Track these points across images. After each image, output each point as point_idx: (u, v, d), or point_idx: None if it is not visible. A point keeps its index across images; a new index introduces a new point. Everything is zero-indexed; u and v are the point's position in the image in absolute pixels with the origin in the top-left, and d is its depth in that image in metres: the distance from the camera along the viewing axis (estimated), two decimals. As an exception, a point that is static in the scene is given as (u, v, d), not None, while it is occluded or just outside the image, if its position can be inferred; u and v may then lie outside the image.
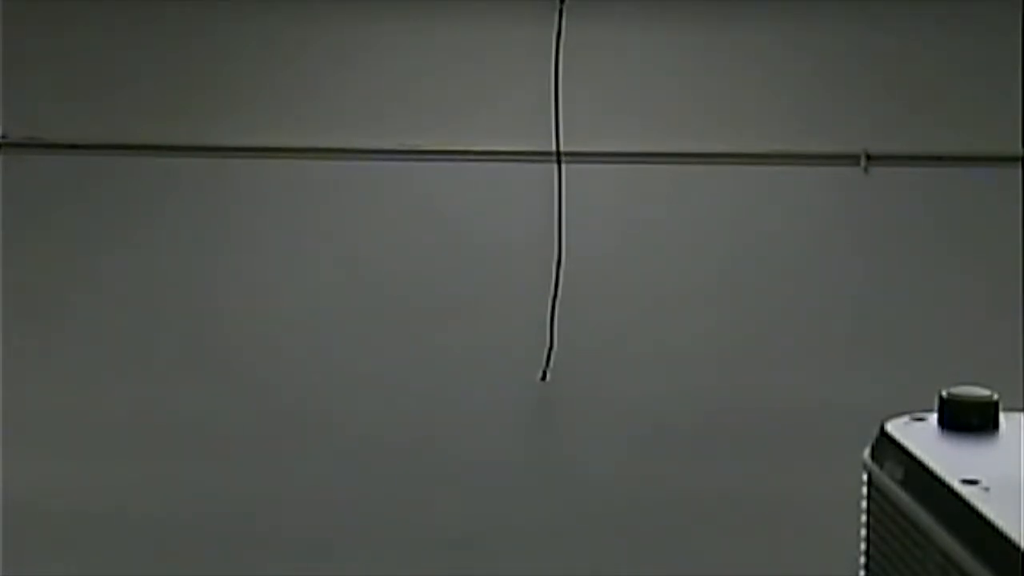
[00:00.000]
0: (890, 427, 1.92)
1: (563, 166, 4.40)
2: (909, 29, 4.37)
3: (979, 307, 4.39)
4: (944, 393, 1.91)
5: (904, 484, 1.77)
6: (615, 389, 4.47)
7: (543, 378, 4.45)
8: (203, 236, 4.51)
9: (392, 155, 4.45)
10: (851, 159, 4.39)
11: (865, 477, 1.91)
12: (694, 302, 4.47)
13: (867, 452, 1.92)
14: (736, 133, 4.42)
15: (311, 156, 4.46)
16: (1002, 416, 1.89)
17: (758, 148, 4.40)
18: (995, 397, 1.90)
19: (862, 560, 1.92)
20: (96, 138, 4.46)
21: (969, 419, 1.88)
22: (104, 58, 4.47)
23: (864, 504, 1.91)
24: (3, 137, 4.46)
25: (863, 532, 1.92)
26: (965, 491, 1.62)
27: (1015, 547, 1.46)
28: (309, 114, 4.46)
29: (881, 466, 1.86)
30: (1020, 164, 4.33)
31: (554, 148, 4.38)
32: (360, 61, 4.46)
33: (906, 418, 1.95)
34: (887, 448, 1.87)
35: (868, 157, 4.38)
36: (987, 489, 1.62)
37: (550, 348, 4.43)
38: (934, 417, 1.91)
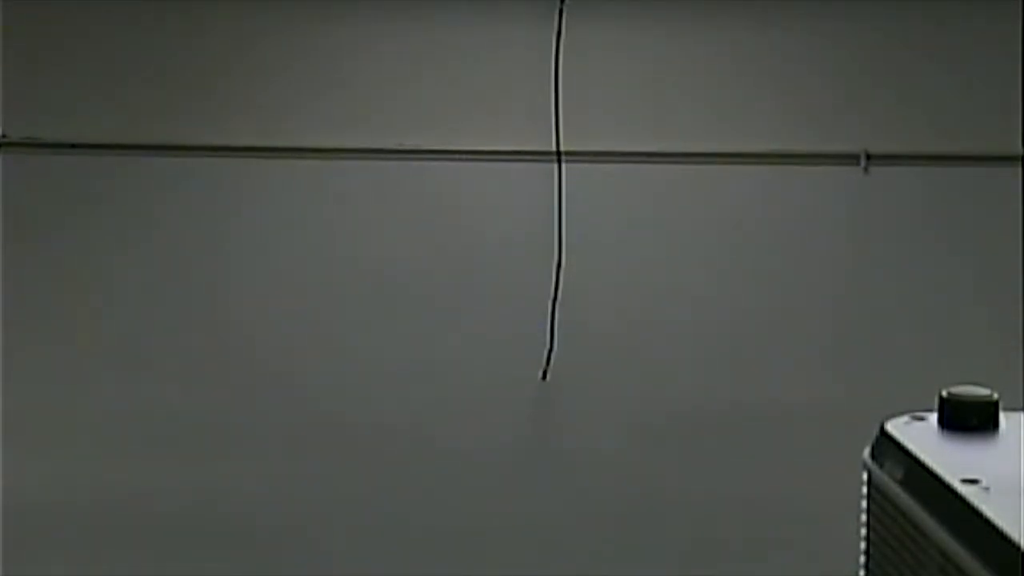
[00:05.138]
0: (890, 427, 1.92)
1: (563, 166, 4.40)
2: (909, 29, 4.37)
3: (979, 307, 4.39)
4: (944, 393, 1.90)
5: (904, 484, 1.77)
6: (615, 389, 4.48)
7: (543, 378, 4.45)
8: (203, 236, 4.51)
9: (392, 155, 4.45)
10: (851, 159, 4.39)
11: (865, 477, 1.91)
12: (694, 302, 4.47)
13: (867, 452, 1.92)
14: (736, 133, 4.42)
15: (311, 156, 4.46)
16: (1002, 416, 1.89)
17: (758, 148, 4.40)
18: (995, 397, 1.90)
19: (862, 560, 1.92)
20: (96, 138, 4.46)
21: (969, 419, 1.88)
22: (104, 58, 4.47)
23: (864, 504, 1.91)
24: (3, 137, 4.46)
25: (863, 532, 1.92)
26: (965, 491, 1.62)
27: (1015, 547, 1.45)
28: (309, 114, 4.46)
29: (881, 466, 1.86)
30: (1020, 164, 4.33)
31: (554, 148, 4.39)
32: (360, 61, 4.46)
33: (906, 418, 1.95)
34: (887, 448, 1.86)
35: (868, 157, 4.38)
36: (987, 489, 1.62)
37: (550, 348, 4.43)
38: (934, 417, 1.91)
